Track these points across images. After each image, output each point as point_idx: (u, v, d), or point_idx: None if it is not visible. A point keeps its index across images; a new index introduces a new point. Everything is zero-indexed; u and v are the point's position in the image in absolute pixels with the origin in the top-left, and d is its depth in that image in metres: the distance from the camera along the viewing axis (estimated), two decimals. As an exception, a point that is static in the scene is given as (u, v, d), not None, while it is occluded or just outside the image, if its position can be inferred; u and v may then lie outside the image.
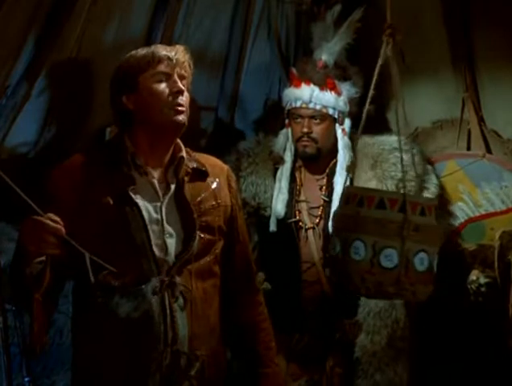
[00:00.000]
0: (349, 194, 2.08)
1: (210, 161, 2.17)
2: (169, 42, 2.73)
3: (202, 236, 2.03)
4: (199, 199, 2.05)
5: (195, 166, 2.09)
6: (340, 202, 2.17)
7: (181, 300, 1.98)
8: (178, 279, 1.97)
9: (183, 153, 2.07)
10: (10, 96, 2.44)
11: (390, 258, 1.91)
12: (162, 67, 1.99)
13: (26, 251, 1.80)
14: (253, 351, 2.21)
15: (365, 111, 2.14)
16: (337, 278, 2.12)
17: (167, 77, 1.99)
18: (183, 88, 1.99)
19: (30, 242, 1.77)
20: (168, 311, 1.95)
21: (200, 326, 2.01)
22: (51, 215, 1.78)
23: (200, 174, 2.10)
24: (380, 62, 2.09)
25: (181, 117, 1.99)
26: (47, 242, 1.77)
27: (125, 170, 1.99)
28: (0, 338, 1.93)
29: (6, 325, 2.03)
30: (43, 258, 1.81)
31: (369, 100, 2.12)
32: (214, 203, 2.09)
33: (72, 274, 2.02)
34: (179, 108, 1.99)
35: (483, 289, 2.80)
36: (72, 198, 1.94)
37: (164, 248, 1.98)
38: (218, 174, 2.15)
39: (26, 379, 2.57)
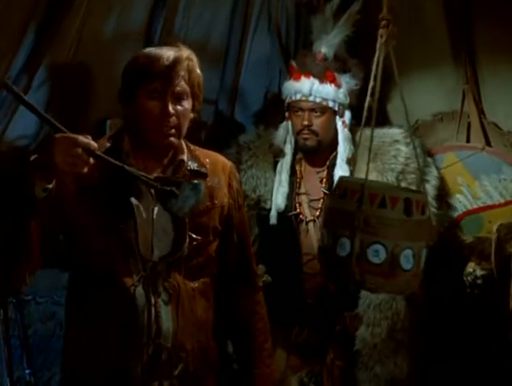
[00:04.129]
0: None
1: (212, 158, 2.15)
2: (169, 34, 2.73)
3: (194, 237, 2.03)
4: None
5: (194, 167, 2.07)
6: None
7: (165, 295, 1.99)
8: (160, 275, 1.98)
9: (184, 156, 2.06)
10: (10, 88, 2.43)
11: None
12: (157, 85, 1.93)
13: (45, 171, 1.73)
14: (247, 349, 2.23)
15: (366, 103, 2.13)
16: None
17: (161, 96, 1.94)
18: (172, 111, 1.94)
19: (62, 158, 1.70)
20: (153, 306, 1.97)
21: (186, 322, 2.02)
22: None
23: (199, 175, 2.07)
24: (377, 55, 2.08)
25: (171, 139, 1.97)
26: (80, 157, 1.71)
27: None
28: (1, 331, 1.94)
29: (6, 317, 2.04)
30: (50, 186, 1.77)
31: (369, 92, 2.11)
32: (209, 203, 2.08)
33: (70, 265, 2.05)
34: (169, 132, 1.96)
35: (479, 281, 2.81)
36: (71, 190, 1.94)
37: (151, 248, 1.98)
38: (219, 172, 2.13)
39: (27, 371, 2.58)
